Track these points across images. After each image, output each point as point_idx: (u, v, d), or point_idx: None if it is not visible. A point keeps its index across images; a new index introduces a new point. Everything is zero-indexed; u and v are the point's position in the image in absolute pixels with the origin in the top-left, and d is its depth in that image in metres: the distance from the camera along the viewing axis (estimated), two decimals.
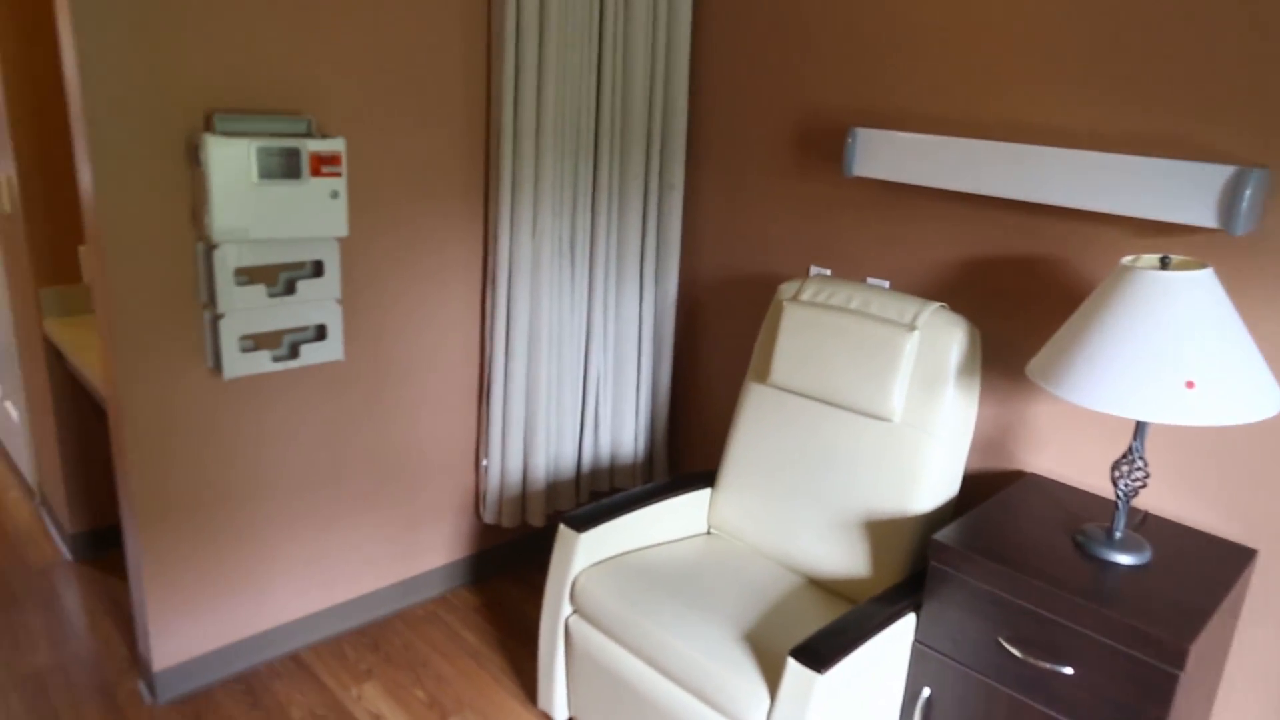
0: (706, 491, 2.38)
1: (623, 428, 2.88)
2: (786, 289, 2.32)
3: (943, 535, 1.79)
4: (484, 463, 2.71)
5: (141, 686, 2.33)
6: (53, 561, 2.90)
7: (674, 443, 3.05)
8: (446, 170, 2.45)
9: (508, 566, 2.98)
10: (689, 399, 2.97)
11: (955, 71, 2.11)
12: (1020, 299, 2.09)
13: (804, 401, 2.23)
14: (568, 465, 2.81)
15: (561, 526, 2.13)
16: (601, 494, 3.03)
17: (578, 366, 2.74)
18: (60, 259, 2.69)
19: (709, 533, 2.39)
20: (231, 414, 2.20)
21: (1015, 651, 1.68)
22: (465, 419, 2.70)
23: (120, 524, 2.97)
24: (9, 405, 3.43)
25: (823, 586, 2.15)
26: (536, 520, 2.75)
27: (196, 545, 2.23)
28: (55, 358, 2.71)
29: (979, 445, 2.22)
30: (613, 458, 2.91)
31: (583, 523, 2.12)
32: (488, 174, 2.54)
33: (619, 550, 2.21)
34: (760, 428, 2.30)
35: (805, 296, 2.25)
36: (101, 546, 2.96)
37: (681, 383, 2.99)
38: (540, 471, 2.69)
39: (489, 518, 2.74)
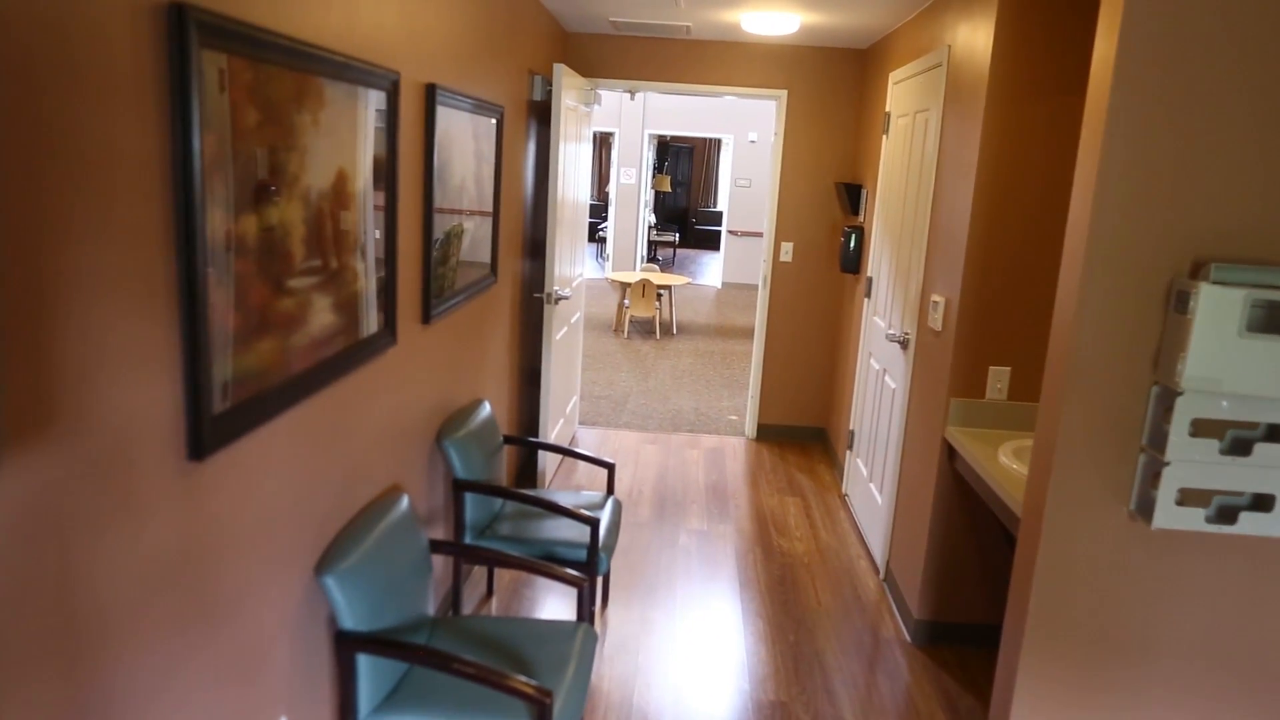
0: None
1: None
2: None
3: None
4: None
5: None
6: (893, 638, 3.22)
7: None
8: None
9: None
10: None
11: None
12: None
13: None
14: None
15: None
16: None
17: None
18: (970, 376, 2.99)
19: None
20: (1144, 565, 2.11)
21: None
22: None
23: (960, 622, 3.16)
24: (873, 487, 3.97)
25: None
26: None
27: (1067, 684, 2.19)
28: (946, 459, 3.02)
29: None
30: None
31: None
32: None
33: None
34: None
35: None
36: (938, 638, 3.18)
37: None
38: None
39: None
